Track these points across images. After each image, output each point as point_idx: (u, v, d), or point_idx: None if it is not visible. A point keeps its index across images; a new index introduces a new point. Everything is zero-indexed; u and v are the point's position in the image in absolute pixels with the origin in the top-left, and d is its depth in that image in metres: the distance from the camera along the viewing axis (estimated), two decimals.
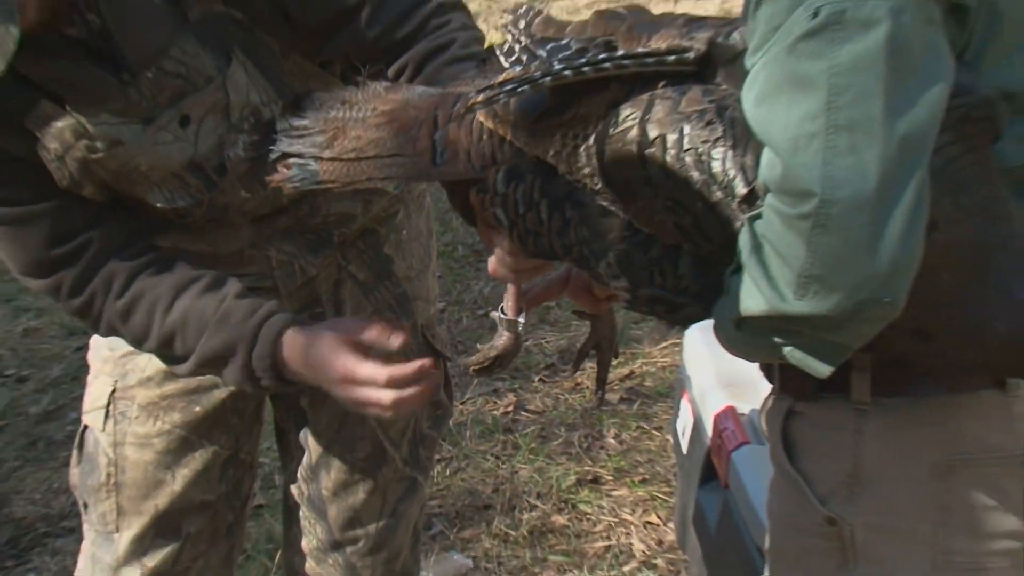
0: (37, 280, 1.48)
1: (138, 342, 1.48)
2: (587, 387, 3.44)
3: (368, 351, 1.36)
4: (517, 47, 1.19)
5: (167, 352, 1.48)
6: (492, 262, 1.33)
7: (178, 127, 1.43)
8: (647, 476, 3.09)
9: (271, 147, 1.35)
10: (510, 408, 3.48)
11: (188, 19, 1.39)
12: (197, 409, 1.65)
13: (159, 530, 1.67)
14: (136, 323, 1.45)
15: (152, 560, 1.67)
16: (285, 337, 1.41)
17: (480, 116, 1.20)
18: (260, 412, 1.76)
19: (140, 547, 1.67)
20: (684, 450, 2.41)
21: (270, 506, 2.85)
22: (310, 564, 1.81)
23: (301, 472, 1.78)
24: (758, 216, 0.98)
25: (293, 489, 1.81)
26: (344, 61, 1.52)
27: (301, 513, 1.80)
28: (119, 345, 1.64)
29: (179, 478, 1.66)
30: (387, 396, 1.34)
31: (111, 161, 1.41)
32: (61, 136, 1.37)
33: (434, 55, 1.42)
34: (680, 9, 7.78)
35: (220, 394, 1.66)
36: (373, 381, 1.34)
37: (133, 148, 1.41)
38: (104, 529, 1.68)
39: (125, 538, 1.66)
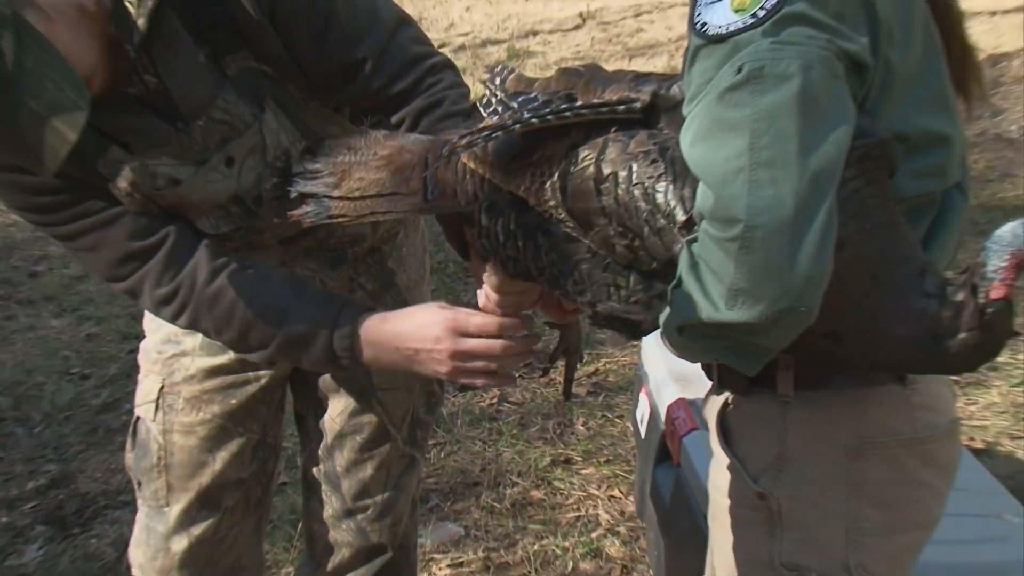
0: (120, 282, 1.45)
1: (218, 330, 1.45)
2: (559, 383, 3.41)
3: None
4: (494, 100, 1.19)
5: (243, 342, 1.45)
6: (481, 297, 1.34)
7: (224, 167, 1.42)
8: (611, 457, 3.09)
9: (291, 188, 1.36)
10: (494, 400, 3.47)
11: (227, 75, 1.39)
12: (233, 401, 1.65)
13: (202, 504, 1.67)
14: (220, 311, 1.43)
15: (197, 529, 1.67)
16: (362, 321, 1.39)
17: (463, 158, 1.20)
18: (283, 403, 1.76)
19: (187, 518, 1.67)
20: (642, 435, 2.42)
21: (293, 483, 2.84)
22: (328, 530, 1.80)
23: (319, 452, 1.78)
24: (695, 239, 0.98)
25: (312, 468, 1.80)
26: (353, 107, 1.51)
27: (321, 487, 1.80)
28: (166, 349, 1.65)
29: (219, 460, 1.66)
30: (498, 345, 1.32)
31: (171, 196, 1.41)
32: (128, 176, 1.37)
33: (428, 111, 1.42)
34: (633, 67, 7.84)
35: (251, 388, 1.66)
36: (486, 329, 1.32)
37: (188, 186, 1.41)
38: (156, 504, 1.68)
39: (175, 511, 1.66)
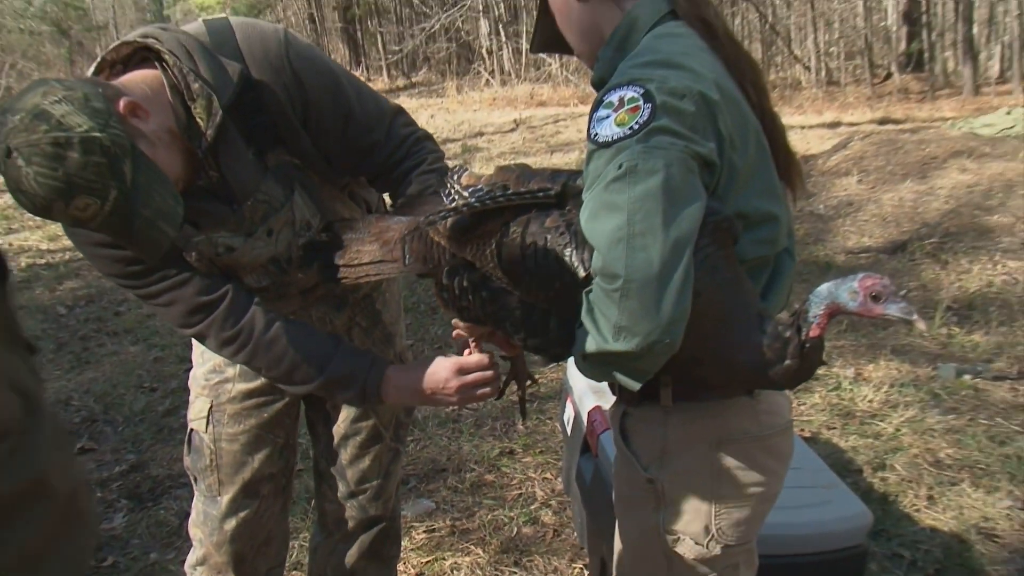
0: (190, 328, 1.40)
1: (268, 368, 1.40)
2: (506, 395, 3.42)
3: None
4: (453, 191, 1.18)
5: (288, 379, 1.40)
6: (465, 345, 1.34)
7: (266, 236, 1.39)
8: (544, 449, 3.05)
9: (311, 256, 1.38)
10: (456, 407, 3.41)
11: (268, 166, 1.36)
12: (265, 415, 1.59)
13: (246, 494, 1.60)
14: (274, 354, 1.38)
15: (242, 512, 1.61)
16: (388, 371, 1.38)
17: (430, 233, 1.19)
18: (299, 413, 1.71)
19: (235, 505, 1.60)
20: (568, 433, 2.38)
21: (306, 470, 2.76)
22: (336, 507, 1.74)
23: (330, 450, 1.72)
24: (591, 290, 0.97)
25: (321, 461, 1.75)
26: (366, 176, 1.50)
27: (330, 476, 1.74)
28: (213, 377, 1.59)
29: (256, 460, 1.60)
30: (491, 373, 1.34)
31: (227, 260, 1.37)
32: (197, 247, 1.34)
33: (414, 169, 1.42)
34: (553, 159, 7.97)
35: (278, 405, 1.60)
36: (481, 365, 1.33)
37: (240, 251, 1.37)
38: (210, 494, 1.61)
39: (225, 500, 1.60)
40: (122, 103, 1.15)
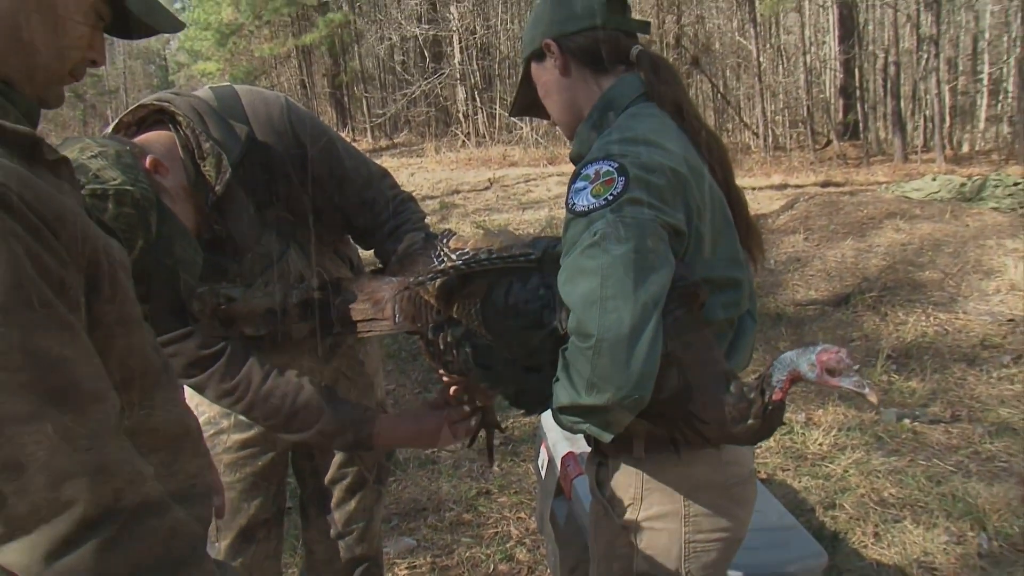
0: (192, 378, 1.37)
1: (266, 418, 1.37)
2: (480, 440, 3.37)
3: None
4: (442, 254, 1.19)
5: (285, 429, 1.37)
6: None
7: (263, 288, 1.38)
8: (518, 490, 3.00)
9: (307, 313, 1.36)
10: (435, 449, 3.35)
11: (266, 222, 1.36)
12: (259, 463, 1.55)
13: (243, 538, 1.55)
14: (271, 405, 1.35)
15: (240, 557, 1.55)
16: (379, 420, 1.37)
17: (420, 292, 1.19)
18: (288, 460, 1.67)
19: (233, 550, 1.55)
20: (543, 476, 2.35)
21: (295, 508, 2.69)
22: (324, 548, 1.68)
23: (317, 495, 1.68)
24: (567, 348, 0.97)
25: (308, 505, 1.69)
26: (353, 233, 1.52)
27: (317, 519, 1.69)
28: (208, 429, 1.54)
29: (252, 506, 1.55)
30: (474, 420, 1.36)
31: (228, 310, 1.35)
32: (202, 298, 1.32)
33: (400, 226, 1.43)
34: (524, 215, 8.00)
35: (271, 454, 1.56)
36: (464, 416, 1.35)
37: (240, 302, 1.35)
38: (209, 541, 1.53)
39: (223, 545, 1.54)
40: (147, 160, 1.17)
